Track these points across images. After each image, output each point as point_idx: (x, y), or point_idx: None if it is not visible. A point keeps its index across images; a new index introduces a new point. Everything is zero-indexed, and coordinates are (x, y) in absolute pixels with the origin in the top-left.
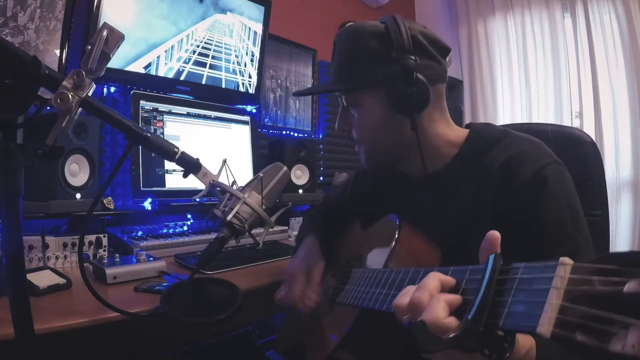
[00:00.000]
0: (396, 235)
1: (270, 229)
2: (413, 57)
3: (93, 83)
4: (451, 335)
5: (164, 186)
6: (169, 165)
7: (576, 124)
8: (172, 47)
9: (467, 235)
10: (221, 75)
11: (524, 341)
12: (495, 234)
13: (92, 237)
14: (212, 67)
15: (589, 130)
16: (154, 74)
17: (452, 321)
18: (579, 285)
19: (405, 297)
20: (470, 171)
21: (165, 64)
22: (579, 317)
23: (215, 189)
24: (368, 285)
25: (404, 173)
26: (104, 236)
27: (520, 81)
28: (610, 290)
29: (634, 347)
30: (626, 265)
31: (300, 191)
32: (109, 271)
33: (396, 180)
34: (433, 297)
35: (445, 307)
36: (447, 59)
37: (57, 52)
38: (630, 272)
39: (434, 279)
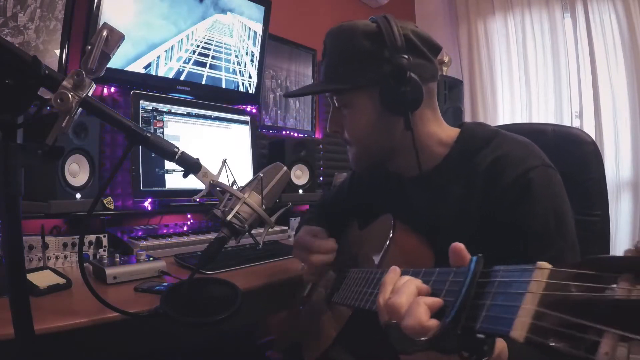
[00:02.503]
0: (390, 235)
1: (270, 229)
2: (406, 56)
3: (93, 83)
4: (426, 338)
5: (164, 186)
6: (169, 165)
7: (576, 124)
8: (172, 47)
9: (457, 235)
10: (221, 75)
11: (497, 343)
12: (456, 247)
13: (92, 237)
14: (212, 67)
15: (589, 130)
16: (154, 74)
17: (434, 324)
18: (555, 290)
19: (381, 299)
20: (460, 171)
21: (165, 64)
22: (553, 323)
23: (215, 189)
24: (360, 285)
25: (396, 173)
26: (104, 236)
27: (520, 81)
28: (586, 296)
29: (607, 354)
30: (604, 271)
31: (300, 191)
32: (109, 271)
33: (389, 180)
34: (414, 301)
35: (426, 310)
36: (447, 59)
37: (57, 52)
38: (607, 277)
39: (412, 284)
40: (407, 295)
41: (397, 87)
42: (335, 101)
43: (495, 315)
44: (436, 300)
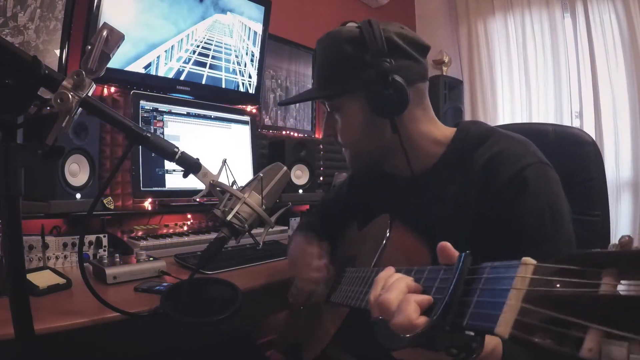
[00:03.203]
0: (387, 234)
1: (270, 229)
2: (388, 60)
3: (93, 83)
4: (412, 334)
5: (164, 186)
6: (169, 165)
7: (576, 124)
8: (172, 47)
9: (454, 233)
10: (221, 75)
11: (488, 339)
12: (442, 245)
13: (92, 237)
14: (212, 67)
15: (589, 130)
16: (154, 74)
17: (422, 321)
18: (539, 286)
19: (372, 296)
20: (456, 170)
21: (165, 64)
22: (538, 319)
23: (215, 189)
24: (357, 284)
25: (391, 174)
26: (104, 236)
27: (520, 81)
28: (570, 292)
29: (590, 350)
30: (589, 266)
31: (300, 191)
32: (109, 271)
33: (386, 180)
34: (404, 299)
35: (416, 307)
36: (447, 59)
37: (57, 52)
38: (591, 272)
39: (403, 281)
40: (396, 292)
41: (381, 90)
42: (327, 106)
43: (481, 312)
44: (425, 298)
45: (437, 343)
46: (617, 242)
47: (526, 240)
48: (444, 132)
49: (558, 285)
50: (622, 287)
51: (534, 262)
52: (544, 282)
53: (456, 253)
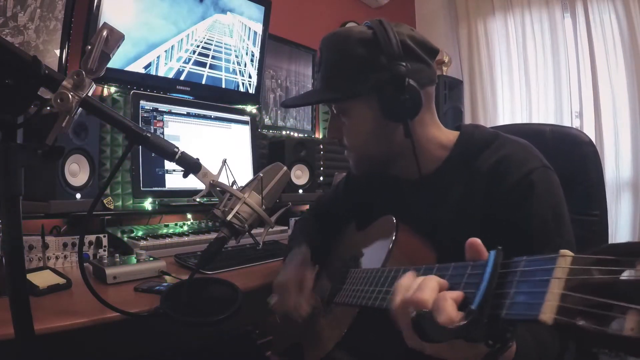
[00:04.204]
0: (394, 236)
1: (270, 229)
2: (404, 63)
3: (93, 83)
4: (457, 325)
5: (164, 186)
6: (169, 165)
7: (576, 124)
8: (172, 47)
9: (458, 236)
10: (221, 75)
11: None
12: (473, 241)
13: (92, 237)
14: (212, 67)
15: (589, 130)
16: (154, 74)
17: (461, 316)
18: (579, 275)
19: (407, 294)
20: (460, 174)
21: (165, 64)
22: (579, 304)
23: (215, 189)
24: (366, 284)
25: (395, 176)
26: (104, 236)
27: (520, 81)
28: (608, 278)
29: (632, 330)
30: (622, 255)
31: (300, 191)
32: (109, 271)
33: (387, 182)
34: (439, 297)
35: (452, 303)
36: (447, 59)
37: (57, 52)
38: (626, 261)
39: (433, 280)
40: (429, 290)
41: (396, 95)
42: (333, 108)
43: (521, 302)
44: (458, 294)
45: (476, 334)
46: None
47: (531, 242)
48: (448, 135)
49: (596, 274)
50: None
51: (571, 253)
52: (583, 271)
53: (485, 249)
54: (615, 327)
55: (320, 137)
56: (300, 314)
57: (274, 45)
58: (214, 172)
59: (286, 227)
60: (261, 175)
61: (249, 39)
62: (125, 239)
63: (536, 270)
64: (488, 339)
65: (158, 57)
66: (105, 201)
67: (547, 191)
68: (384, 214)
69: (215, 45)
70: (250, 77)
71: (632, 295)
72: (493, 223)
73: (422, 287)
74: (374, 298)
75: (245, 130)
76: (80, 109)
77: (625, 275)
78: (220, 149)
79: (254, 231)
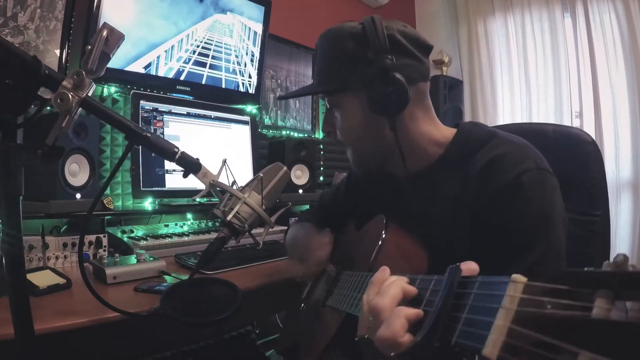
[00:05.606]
0: (382, 236)
1: (270, 229)
2: (390, 57)
3: (93, 83)
4: (397, 353)
5: (164, 186)
6: (169, 165)
7: (576, 124)
8: (172, 47)
9: (450, 236)
10: (221, 75)
11: None
12: (470, 267)
13: (92, 237)
14: (212, 67)
15: (589, 130)
16: (154, 74)
17: (408, 339)
18: (529, 306)
19: (371, 296)
20: (454, 172)
21: (165, 64)
22: (526, 342)
23: (215, 189)
24: (350, 289)
25: (390, 173)
26: (104, 236)
27: (520, 81)
28: (561, 315)
29: None
30: (581, 286)
31: (300, 191)
32: (109, 271)
33: (384, 180)
34: (393, 312)
35: (404, 323)
36: (447, 59)
37: (57, 52)
38: (585, 294)
39: (397, 286)
40: (390, 298)
41: (382, 88)
42: (326, 102)
43: (470, 331)
44: (415, 312)
45: (423, 358)
46: (611, 261)
47: (515, 246)
48: (444, 133)
49: (549, 306)
50: (616, 312)
51: (524, 279)
52: (534, 302)
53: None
54: None
55: (320, 137)
56: (322, 247)
57: (274, 45)
58: (214, 172)
59: (286, 227)
60: (261, 175)
61: (249, 39)
62: (125, 239)
63: (488, 295)
64: None
65: (158, 57)
66: (105, 201)
67: (536, 195)
68: (378, 212)
69: (215, 45)
70: (250, 77)
71: (585, 337)
72: (482, 224)
73: (384, 293)
74: (355, 304)
75: (245, 130)
76: (80, 109)
77: (579, 312)
78: (220, 149)
79: (254, 231)
